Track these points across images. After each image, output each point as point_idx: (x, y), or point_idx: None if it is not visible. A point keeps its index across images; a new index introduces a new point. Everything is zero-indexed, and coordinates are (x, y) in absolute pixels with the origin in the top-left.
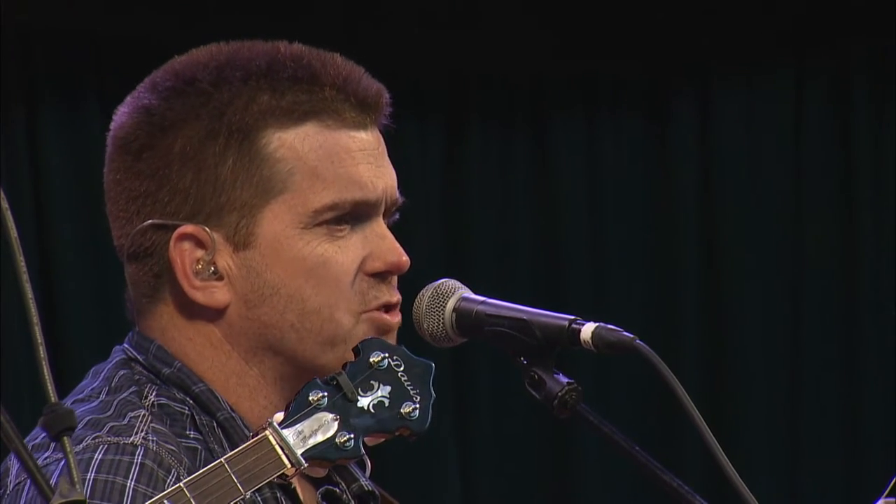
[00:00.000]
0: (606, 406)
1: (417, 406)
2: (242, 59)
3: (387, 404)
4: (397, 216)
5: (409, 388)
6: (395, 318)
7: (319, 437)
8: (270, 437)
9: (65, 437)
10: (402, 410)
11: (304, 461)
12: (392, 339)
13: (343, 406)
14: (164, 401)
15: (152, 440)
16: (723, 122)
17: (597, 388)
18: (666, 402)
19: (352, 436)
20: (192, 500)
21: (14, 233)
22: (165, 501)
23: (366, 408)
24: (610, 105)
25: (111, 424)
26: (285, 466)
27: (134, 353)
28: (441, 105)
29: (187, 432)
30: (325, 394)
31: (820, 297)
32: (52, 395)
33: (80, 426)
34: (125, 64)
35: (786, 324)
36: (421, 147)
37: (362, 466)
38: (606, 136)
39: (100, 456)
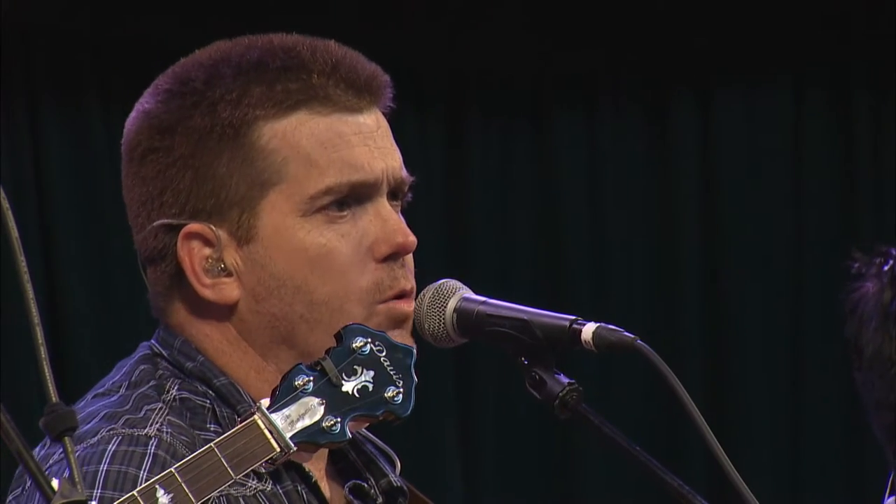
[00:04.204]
0: (608, 406)
1: (401, 390)
2: (236, 54)
3: (371, 389)
4: (410, 196)
5: (391, 372)
6: (410, 307)
7: (307, 421)
8: (259, 422)
9: (66, 438)
10: (385, 395)
11: (293, 445)
12: (408, 328)
13: (328, 391)
14: (185, 395)
15: (167, 432)
16: (723, 122)
17: (599, 388)
18: (667, 403)
19: (338, 420)
20: (182, 484)
21: (15, 232)
22: (157, 486)
23: (350, 392)
24: (610, 104)
25: (127, 417)
26: (274, 450)
27: (159, 348)
28: (442, 103)
29: (207, 425)
30: (311, 378)
31: (821, 297)
32: (53, 395)
33: (97, 419)
34: (126, 64)
35: (787, 323)
36: (422, 146)
37: (392, 462)
38: (607, 135)
39: (113, 447)
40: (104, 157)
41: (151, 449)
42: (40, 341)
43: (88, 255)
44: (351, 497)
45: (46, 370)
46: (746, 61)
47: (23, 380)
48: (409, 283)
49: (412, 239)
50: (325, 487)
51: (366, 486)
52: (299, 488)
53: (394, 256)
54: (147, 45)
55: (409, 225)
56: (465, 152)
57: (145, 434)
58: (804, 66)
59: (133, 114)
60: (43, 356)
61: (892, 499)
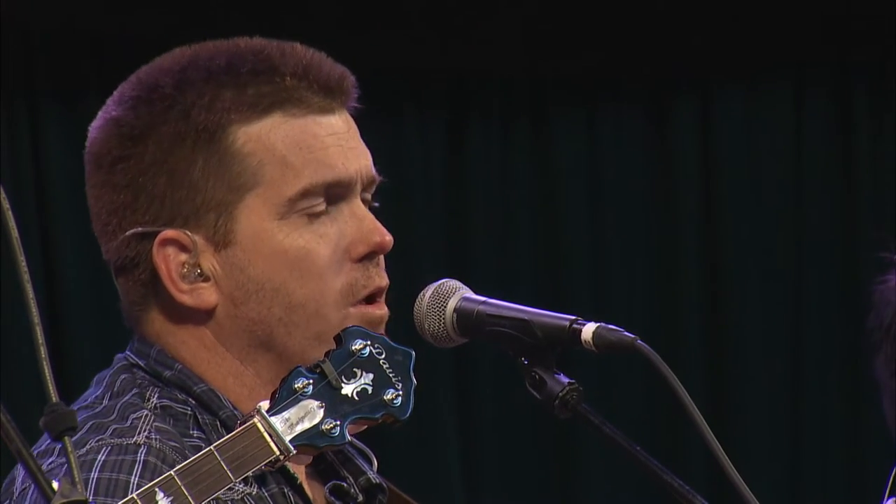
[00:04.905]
0: (608, 406)
1: (400, 393)
2: (203, 59)
3: (370, 391)
4: (377, 204)
5: (391, 375)
6: (382, 310)
7: (306, 424)
8: (259, 425)
9: (66, 437)
10: (384, 397)
11: (292, 448)
12: (380, 331)
13: (328, 393)
14: (166, 402)
15: (155, 438)
16: (723, 122)
17: (599, 388)
18: (667, 403)
19: (337, 423)
20: (182, 487)
21: (15, 232)
22: (157, 489)
23: (350, 395)
24: (610, 104)
25: (114, 427)
26: (274, 453)
27: (135, 358)
28: (442, 104)
29: (191, 432)
30: (310, 381)
31: (821, 297)
32: (53, 396)
33: (83, 431)
34: (126, 64)
35: (787, 323)
36: (422, 147)
37: (369, 460)
38: (607, 135)
39: (103, 457)
40: None
41: (141, 456)
42: (40, 341)
43: (88, 255)
44: (332, 498)
45: (46, 370)
46: (746, 61)
47: (23, 380)
48: (384, 280)
49: (389, 238)
50: (307, 489)
51: (345, 485)
52: (285, 490)
53: (370, 256)
54: (147, 45)
55: (410, 225)
56: (465, 152)
57: (134, 442)
58: (804, 66)
59: (98, 122)
60: (43, 356)
61: (891, 500)
